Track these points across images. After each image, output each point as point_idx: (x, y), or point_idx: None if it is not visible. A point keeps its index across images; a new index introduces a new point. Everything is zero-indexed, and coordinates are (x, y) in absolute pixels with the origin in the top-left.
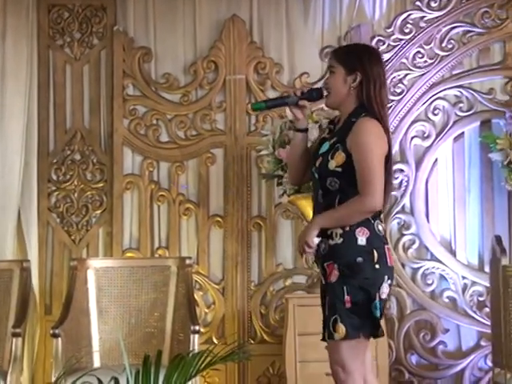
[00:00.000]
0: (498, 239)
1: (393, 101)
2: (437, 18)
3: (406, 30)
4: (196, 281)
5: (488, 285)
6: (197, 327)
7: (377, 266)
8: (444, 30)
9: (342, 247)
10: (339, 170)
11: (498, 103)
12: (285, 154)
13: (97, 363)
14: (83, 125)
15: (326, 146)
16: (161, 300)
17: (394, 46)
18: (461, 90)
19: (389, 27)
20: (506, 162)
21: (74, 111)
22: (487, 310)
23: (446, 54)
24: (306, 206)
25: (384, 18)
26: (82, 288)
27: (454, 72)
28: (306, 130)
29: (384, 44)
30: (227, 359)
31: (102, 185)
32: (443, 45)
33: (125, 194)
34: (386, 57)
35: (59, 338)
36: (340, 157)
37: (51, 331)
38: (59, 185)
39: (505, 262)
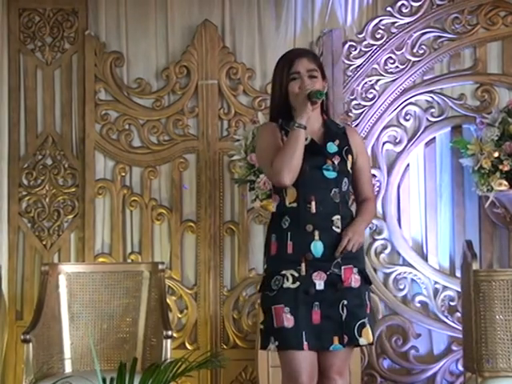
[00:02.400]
0: (469, 244)
1: (364, 106)
2: (408, 23)
3: (378, 36)
4: (169, 286)
5: (459, 289)
6: (169, 332)
7: None
8: (415, 35)
9: (360, 253)
10: (351, 171)
11: (469, 109)
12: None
13: (68, 369)
14: (55, 129)
15: (333, 147)
16: (133, 305)
17: (366, 52)
18: (432, 95)
19: (360, 33)
20: (476, 168)
21: (45, 116)
22: (458, 314)
23: (418, 59)
24: None
25: (356, 23)
26: (53, 293)
27: (426, 77)
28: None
29: (356, 49)
30: (202, 367)
31: (74, 190)
32: (414, 50)
33: (97, 199)
34: (357, 62)
35: (30, 344)
36: (351, 159)
37: (22, 336)
38: (30, 190)
39: (476, 266)
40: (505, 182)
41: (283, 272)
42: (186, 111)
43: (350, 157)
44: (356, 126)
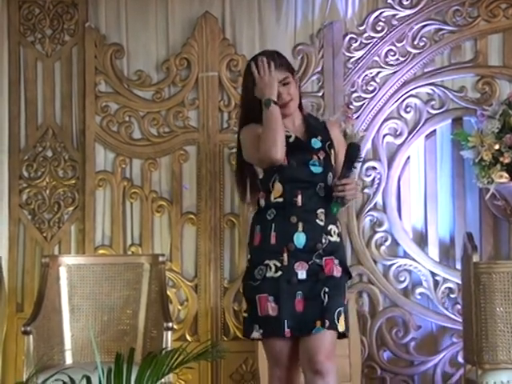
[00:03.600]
0: (470, 236)
1: (365, 99)
2: (409, 15)
3: (378, 28)
4: (169, 278)
5: (459, 282)
6: (170, 324)
7: None
8: (416, 27)
9: (340, 246)
10: (334, 165)
11: (470, 101)
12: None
13: (69, 361)
14: (55, 121)
15: (317, 142)
16: (133, 297)
17: (367, 44)
18: (433, 87)
19: (361, 25)
20: (477, 160)
21: (45, 108)
22: (459, 306)
23: (418, 51)
24: None
25: (356, 15)
26: (53, 285)
27: (426, 70)
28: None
29: (356, 42)
30: (200, 358)
31: (74, 182)
32: (415, 42)
33: (97, 191)
34: (358, 54)
35: (31, 336)
36: (333, 153)
37: (22, 328)
38: (31, 182)
39: (476, 258)
40: (505, 175)
41: (266, 262)
42: (186, 103)
43: (332, 151)
44: (357, 118)
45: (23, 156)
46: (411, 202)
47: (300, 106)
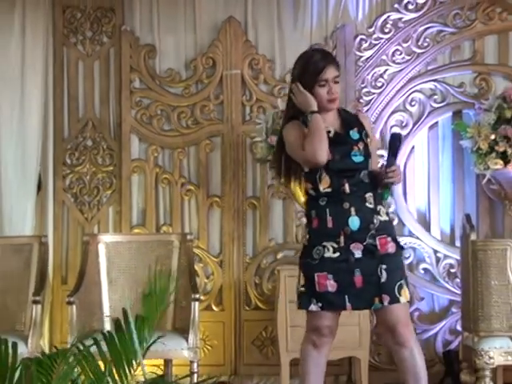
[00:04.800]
0: (468, 217)
1: (374, 93)
2: (413, 18)
3: (386, 30)
4: (196, 254)
5: (459, 258)
6: (197, 295)
7: None
8: (420, 29)
9: (390, 224)
10: (369, 150)
11: (468, 95)
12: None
13: (107, 328)
14: (94, 114)
15: (355, 134)
16: (164, 271)
17: (375, 44)
18: (435, 83)
19: (370, 27)
20: (474, 148)
21: (85, 102)
22: (458, 280)
23: (422, 51)
24: (296, 188)
25: (366, 18)
26: (93, 261)
27: (429, 67)
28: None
29: (366, 42)
30: None
31: (112, 168)
32: (419, 43)
33: (132, 177)
34: (367, 54)
35: (74, 306)
36: (368, 142)
37: (67, 299)
38: (73, 168)
39: (473, 237)
40: (500, 162)
41: (324, 243)
42: (211, 98)
43: (368, 140)
44: (366, 111)
45: (66, 145)
46: (416, 187)
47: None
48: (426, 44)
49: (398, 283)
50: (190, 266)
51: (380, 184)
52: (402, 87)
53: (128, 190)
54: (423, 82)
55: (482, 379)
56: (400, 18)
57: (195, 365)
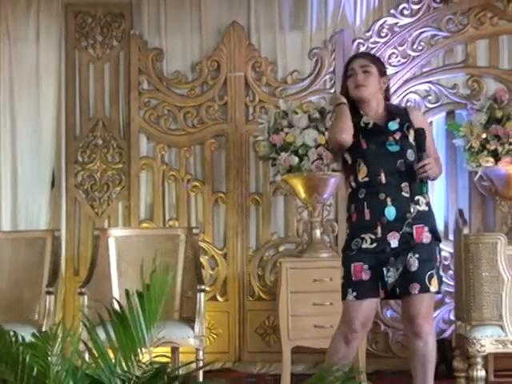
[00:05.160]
0: (461, 212)
1: None
2: (409, 23)
3: (383, 34)
4: (202, 247)
5: (452, 251)
6: (203, 286)
7: None
8: (415, 33)
9: (429, 214)
10: (413, 143)
11: (461, 96)
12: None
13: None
14: (104, 114)
15: (394, 125)
16: (172, 263)
17: (372, 48)
18: (429, 85)
19: (368, 31)
20: (467, 147)
21: (96, 103)
22: (451, 272)
23: (417, 54)
24: (297, 184)
25: (363, 23)
26: (104, 254)
27: (424, 70)
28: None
29: (364, 46)
30: None
31: (121, 166)
32: (414, 46)
33: (141, 174)
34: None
35: (85, 296)
36: (412, 133)
37: (78, 290)
38: (84, 165)
39: (466, 231)
40: (491, 159)
41: (362, 235)
42: (216, 99)
43: (411, 131)
44: None
45: (78, 144)
46: None
47: (386, 98)
48: (420, 47)
49: (429, 273)
50: (196, 259)
51: (416, 179)
52: (398, 88)
53: (136, 186)
54: (418, 84)
55: (474, 366)
56: (396, 23)
57: (201, 352)
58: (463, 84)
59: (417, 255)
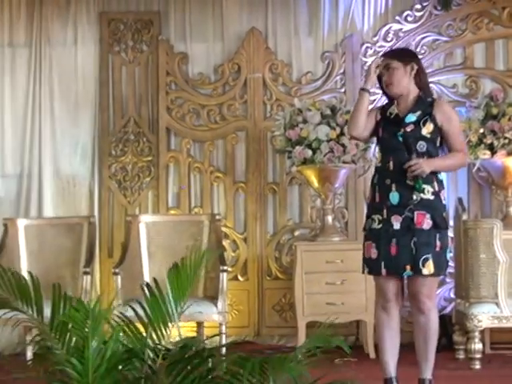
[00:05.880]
0: (460, 200)
1: (378, 94)
2: (412, 29)
3: (388, 39)
4: (224, 232)
5: (452, 235)
6: (225, 267)
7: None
8: (418, 38)
9: (434, 202)
10: (428, 136)
11: (460, 95)
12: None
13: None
14: (135, 112)
15: (412, 117)
16: (197, 247)
17: (379, 51)
18: (431, 85)
19: (375, 36)
20: (466, 141)
21: (128, 102)
22: (451, 254)
23: (420, 57)
24: (311, 175)
25: (371, 29)
26: (135, 238)
27: (426, 71)
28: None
29: (371, 49)
30: None
31: (151, 158)
32: (417, 50)
33: (168, 166)
34: (372, 60)
35: (119, 276)
36: (429, 126)
37: (112, 270)
38: (117, 158)
39: (465, 217)
40: (488, 152)
41: (373, 216)
42: (237, 98)
43: (428, 124)
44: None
45: (111, 139)
46: None
47: (421, 88)
48: (423, 51)
49: (424, 257)
50: (219, 242)
51: (409, 178)
52: None
53: (164, 177)
54: None
55: (472, 339)
56: (400, 29)
57: (223, 327)
58: (462, 84)
59: (415, 239)
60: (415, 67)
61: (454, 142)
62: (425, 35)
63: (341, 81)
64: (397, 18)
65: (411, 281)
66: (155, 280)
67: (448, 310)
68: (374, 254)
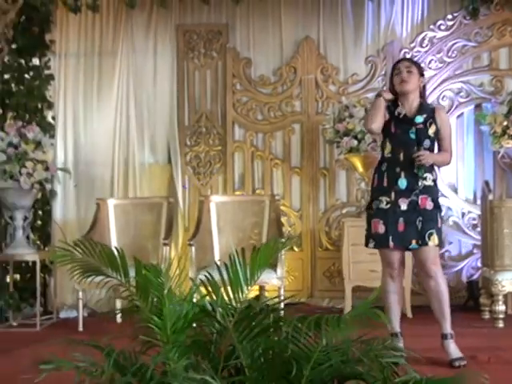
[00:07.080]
0: (487, 183)
1: None
2: (444, 36)
3: (424, 45)
4: (282, 210)
5: (479, 213)
6: (283, 240)
7: None
8: (449, 44)
9: (434, 188)
10: (432, 135)
11: (487, 93)
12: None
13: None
14: (207, 109)
15: (420, 119)
16: (259, 222)
17: (416, 56)
18: (461, 84)
19: (412, 42)
20: (491, 132)
21: (200, 100)
22: (478, 229)
23: (451, 60)
24: (356, 161)
25: (409, 36)
26: (207, 215)
27: (457, 72)
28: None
29: (409, 54)
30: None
31: (220, 148)
32: (449, 54)
33: (235, 154)
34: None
35: (193, 247)
36: (433, 128)
37: (188, 242)
38: (192, 148)
39: (491, 198)
40: (511, 141)
41: (380, 198)
42: (293, 96)
43: (432, 126)
44: None
45: (187, 131)
46: None
47: (422, 97)
48: (454, 55)
49: (429, 231)
50: (278, 219)
51: (416, 166)
52: (437, 87)
53: (231, 163)
54: (452, 83)
55: (497, 302)
56: (434, 36)
57: (282, 290)
58: (488, 83)
59: (420, 218)
60: (424, 81)
61: (445, 143)
62: (455, 41)
63: (382, 81)
64: (431, 26)
65: (419, 252)
66: (237, 251)
67: (475, 276)
68: (381, 229)
